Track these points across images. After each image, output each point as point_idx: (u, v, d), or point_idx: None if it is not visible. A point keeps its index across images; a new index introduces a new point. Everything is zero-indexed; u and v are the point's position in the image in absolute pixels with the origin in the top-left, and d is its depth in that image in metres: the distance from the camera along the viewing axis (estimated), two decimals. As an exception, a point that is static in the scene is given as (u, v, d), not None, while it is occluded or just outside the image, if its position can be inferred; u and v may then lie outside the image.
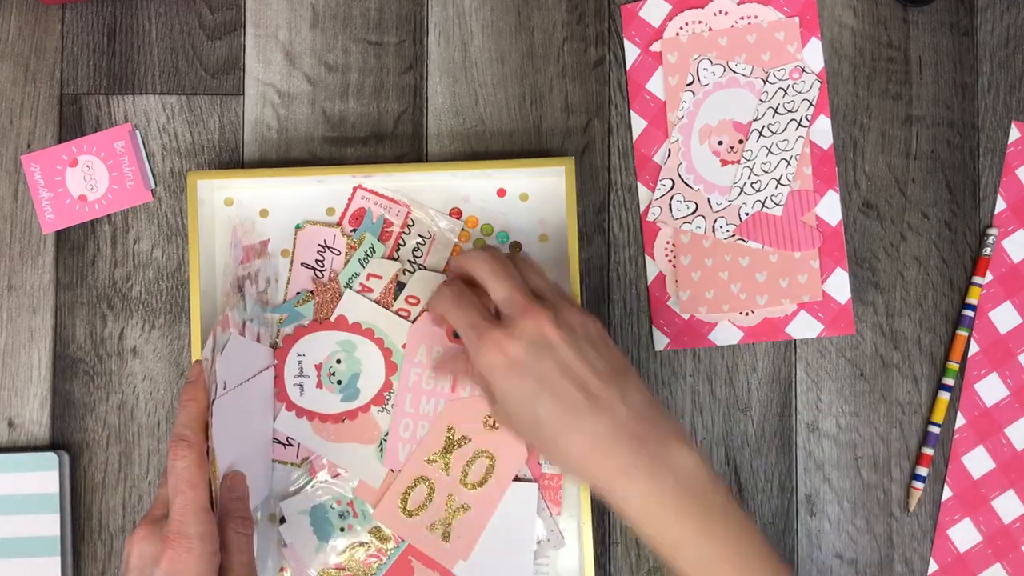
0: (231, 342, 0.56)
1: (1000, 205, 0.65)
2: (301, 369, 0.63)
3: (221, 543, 0.52)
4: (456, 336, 0.62)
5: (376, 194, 0.63)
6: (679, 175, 0.65)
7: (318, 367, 0.63)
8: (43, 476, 0.61)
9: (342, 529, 0.62)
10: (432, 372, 0.62)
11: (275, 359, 0.63)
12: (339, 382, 0.63)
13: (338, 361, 0.63)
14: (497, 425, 0.61)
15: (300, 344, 0.63)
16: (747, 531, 0.52)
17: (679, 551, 0.51)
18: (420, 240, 0.63)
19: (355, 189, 0.63)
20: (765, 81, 0.64)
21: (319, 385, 0.63)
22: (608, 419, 0.51)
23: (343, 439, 0.62)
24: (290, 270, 0.63)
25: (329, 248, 0.63)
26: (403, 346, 0.63)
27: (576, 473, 0.53)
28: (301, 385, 0.63)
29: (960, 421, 0.64)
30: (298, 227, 0.63)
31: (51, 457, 0.62)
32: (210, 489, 0.52)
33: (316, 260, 0.63)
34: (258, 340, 0.61)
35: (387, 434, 0.62)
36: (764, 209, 0.64)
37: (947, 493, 0.64)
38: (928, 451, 0.64)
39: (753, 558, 0.52)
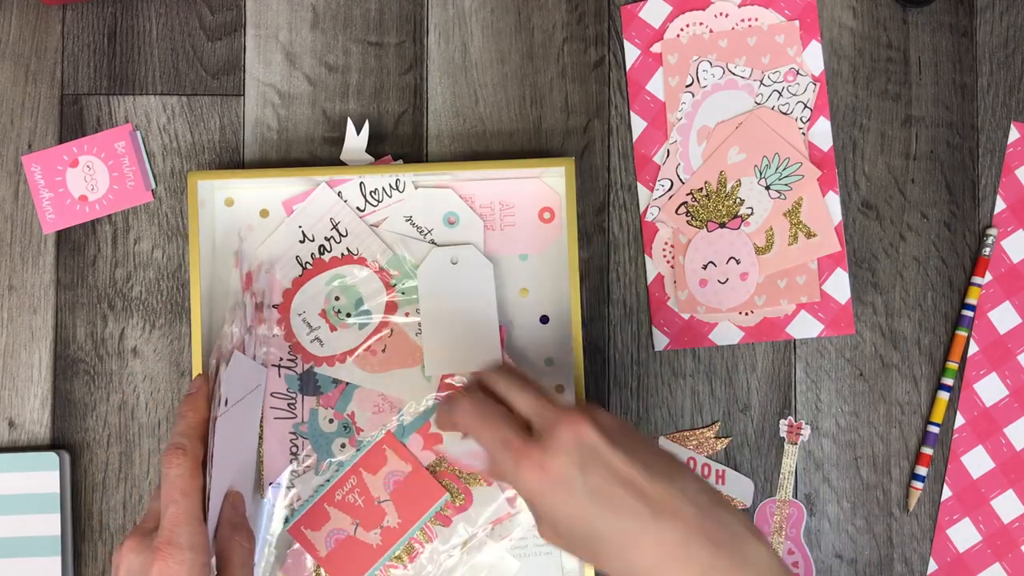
0: (235, 358, 0.56)
1: (999, 205, 0.65)
2: (309, 325, 0.63)
3: (225, 556, 0.52)
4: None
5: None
6: (677, 175, 0.65)
7: (322, 314, 0.63)
8: (43, 476, 0.61)
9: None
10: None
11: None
12: (347, 315, 0.63)
13: (336, 298, 0.63)
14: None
15: (296, 304, 0.63)
16: None
17: None
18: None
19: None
20: (760, 83, 0.64)
21: (332, 328, 0.63)
22: (675, 522, 0.47)
23: (389, 368, 0.63)
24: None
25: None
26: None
27: None
28: (319, 339, 0.63)
29: (959, 421, 0.65)
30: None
31: (51, 457, 0.62)
32: (203, 501, 0.51)
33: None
34: (254, 357, 0.61)
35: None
36: (764, 209, 0.65)
37: (946, 493, 0.64)
38: (927, 451, 0.64)
39: None
